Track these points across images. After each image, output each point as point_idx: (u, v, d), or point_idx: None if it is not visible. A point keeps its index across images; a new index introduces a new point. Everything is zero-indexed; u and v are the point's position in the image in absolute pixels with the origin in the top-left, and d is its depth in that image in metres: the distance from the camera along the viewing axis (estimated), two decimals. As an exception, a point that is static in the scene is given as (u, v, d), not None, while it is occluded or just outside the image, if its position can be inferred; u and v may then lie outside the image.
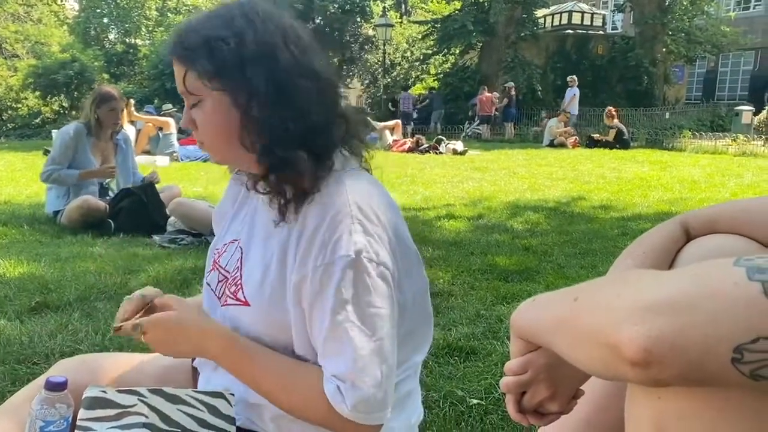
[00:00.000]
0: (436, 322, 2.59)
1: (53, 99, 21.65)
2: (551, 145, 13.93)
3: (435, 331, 2.41)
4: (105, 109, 4.53)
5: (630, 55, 21.36)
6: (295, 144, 1.03)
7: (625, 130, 13.83)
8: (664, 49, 21.41)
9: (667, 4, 21.21)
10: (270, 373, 1.06)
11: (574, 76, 16.46)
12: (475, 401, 1.88)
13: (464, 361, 2.18)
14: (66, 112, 21.22)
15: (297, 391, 1.05)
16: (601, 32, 25.40)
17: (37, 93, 21.78)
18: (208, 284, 1.23)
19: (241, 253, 1.15)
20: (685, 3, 21.67)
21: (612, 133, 13.54)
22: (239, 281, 1.12)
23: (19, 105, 22.16)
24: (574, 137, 14.16)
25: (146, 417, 1.08)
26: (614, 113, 13.91)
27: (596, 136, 14.00)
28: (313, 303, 1.02)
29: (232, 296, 1.13)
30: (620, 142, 13.28)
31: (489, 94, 17.24)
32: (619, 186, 7.24)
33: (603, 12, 28.32)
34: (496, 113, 17.68)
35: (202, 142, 1.10)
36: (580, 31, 24.47)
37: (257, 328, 1.09)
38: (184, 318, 1.09)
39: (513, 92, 18.01)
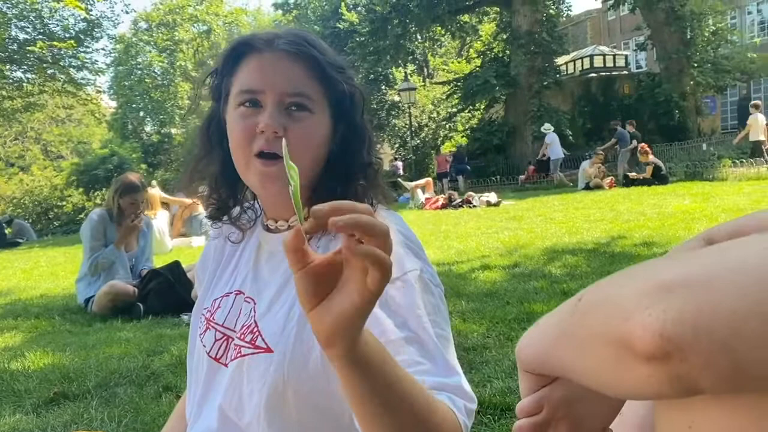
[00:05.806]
0: (469, 379, 2.42)
1: (95, 194, 22.48)
2: (587, 188, 13.67)
3: (468, 389, 2.26)
4: (127, 200, 4.62)
5: (658, 90, 21.20)
6: (352, 177, 1.07)
7: (662, 165, 13.50)
8: (692, 82, 21.16)
9: (689, 37, 21.09)
10: None
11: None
12: (512, 463, 1.69)
13: (499, 419, 1.99)
14: (108, 204, 21.95)
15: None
16: (625, 72, 25.36)
17: (80, 189, 22.66)
18: (204, 346, 1.12)
19: (253, 302, 1.09)
20: (707, 34, 21.53)
21: (649, 169, 13.23)
22: (255, 329, 1.04)
23: (64, 202, 23.07)
24: (610, 177, 13.90)
25: None
26: (648, 150, 13.62)
27: (632, 174, 13.70)
28: (386, 329, 0.90)
29: (248, 345, 1.03)
30: (658, 178, 12.95)
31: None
32: (661, 221, 6.95)
33: (624, 53, 28.36)
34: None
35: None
36: (604, 74, 24.47)
37: (281, 375, 0.98)
38: None
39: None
